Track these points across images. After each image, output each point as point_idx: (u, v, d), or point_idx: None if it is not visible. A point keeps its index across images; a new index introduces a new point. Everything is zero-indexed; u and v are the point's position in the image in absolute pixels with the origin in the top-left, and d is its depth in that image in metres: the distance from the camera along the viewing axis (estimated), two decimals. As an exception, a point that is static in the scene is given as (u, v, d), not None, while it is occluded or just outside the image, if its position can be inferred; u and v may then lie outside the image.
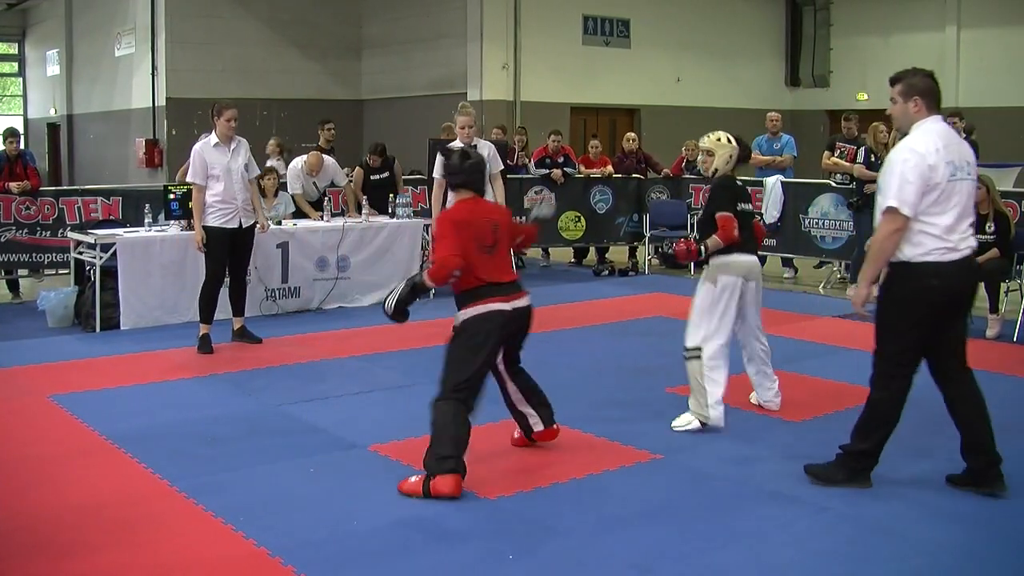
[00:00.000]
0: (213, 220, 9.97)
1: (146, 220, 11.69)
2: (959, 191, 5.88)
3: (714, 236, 7.41)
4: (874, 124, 13.64)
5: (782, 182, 15.01)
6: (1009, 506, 5.96)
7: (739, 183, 7.85)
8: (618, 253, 16.95)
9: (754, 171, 15.69)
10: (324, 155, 13.40)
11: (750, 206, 7.86)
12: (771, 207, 14.83)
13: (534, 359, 9.72)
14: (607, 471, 6.58)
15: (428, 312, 10.80)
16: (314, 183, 13.26)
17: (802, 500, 6.08)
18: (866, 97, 25.54)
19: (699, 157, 7.97)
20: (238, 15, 23.75)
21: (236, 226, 10.09)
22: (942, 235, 5.84)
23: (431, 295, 10.81)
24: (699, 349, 7.39)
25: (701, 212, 7.93)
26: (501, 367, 6.82)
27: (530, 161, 16.43)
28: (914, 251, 5.88)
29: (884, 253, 5.95)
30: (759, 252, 7.94)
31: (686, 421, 7.48)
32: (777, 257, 15.39)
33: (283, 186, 13.13)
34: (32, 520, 5.75)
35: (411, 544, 5.41)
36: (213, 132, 10.21)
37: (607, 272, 15.82)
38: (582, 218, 16.38)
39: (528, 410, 6.93)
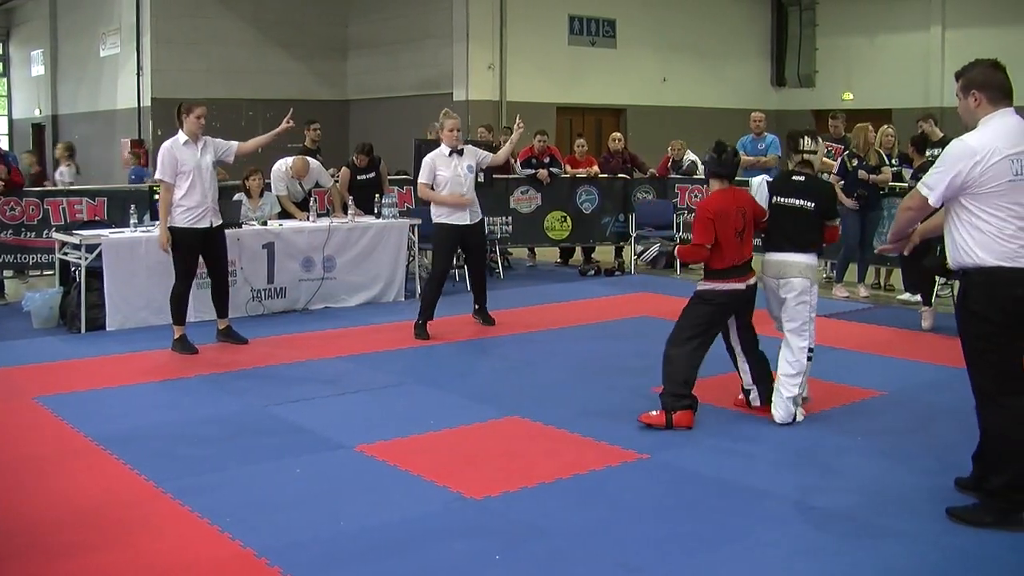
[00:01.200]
0: (183, 221, 9.84)
1: (131, 221, 11.65)
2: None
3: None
4: (860, 125, 13.65)
5: (768, 182, 15.00)
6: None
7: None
8: (604, 253, 16.94)
9: (740, 171, 15.70)
10: (309, 158, 13.36)
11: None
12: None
13: (520, 358, 9.81)
14: (593, 471, 6.58)
15: (412, 314, 10.82)
16: (300, 184, 13.24)
17: (789, 499, 6.09)
18: (851, 97, 25.66)
19: None
20: (223, 15, 23.74)
21: (207, 226, 9.99)
22: (1018, 236, 5.37)
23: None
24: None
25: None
26: (735, 340, 7.90)
27: (516, 161, 16.43)
28: (986, 254, 5.42)
29: (897, 223, 5.98)
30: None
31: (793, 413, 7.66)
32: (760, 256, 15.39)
33: (268, 186, 13.11)
34: (17, 522, 5.73)
35: (398, 544, 5.41)
36: (180, 131, 9.98)
37: (593, 272, 15.82)
38: (568, 218, 16.37)
39: (750, 384, 7.92)
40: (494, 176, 15.52)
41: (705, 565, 5.18)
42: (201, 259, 10.20)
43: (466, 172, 10.93)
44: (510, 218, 16.10)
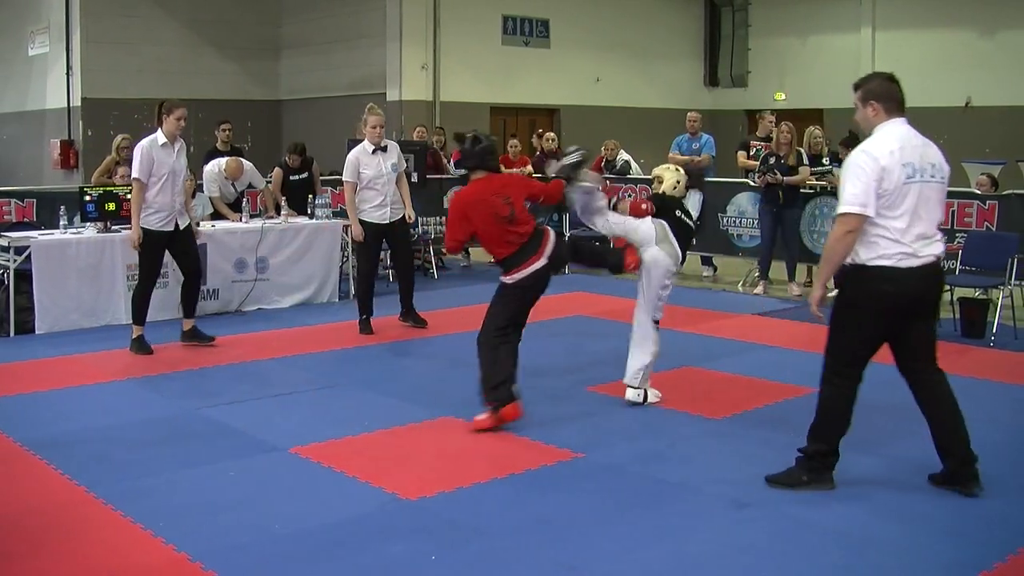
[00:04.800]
0: (153, 223, 9.81)
1: (61, 222, 11.54)
2: (915, 194, 5.83)
3: None
4: (780, 125, 13.87)
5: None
6: (945, 501, 6.07)
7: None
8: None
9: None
10: (243, 160, 13.27)
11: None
12: (691, 205, 14.90)
13: (455, 359, 9.82)
14: (529, 470, 6.61)
15: (347, 314, 10.79)
16: (233, 185, 13.16)
17: (723, 496, 6.15)
18: (784, 97, 25.85)
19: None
20: (155, 14, 23.49)
21: (172, 229, 9.96)
22: (897, 238, 5.82)
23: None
24: None
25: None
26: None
27: (449, 161, 16.43)
28: (868, 254, 5.88)
29: (835, 255, 5.95)
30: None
31: None
32: (696, 256, 15.50)
33: (200, 187, 13.02)
34: (-54, 529, 5.66)
35: (334, 547, 5.40)
36: (159, 131, 9.89)
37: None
38: (502, 218, 16.34)
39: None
40: (427, 176, 15.52)
41: (641, 562, 5.22)
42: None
43: (389, 170, 10.99)
44: (444, 218, 16.05)
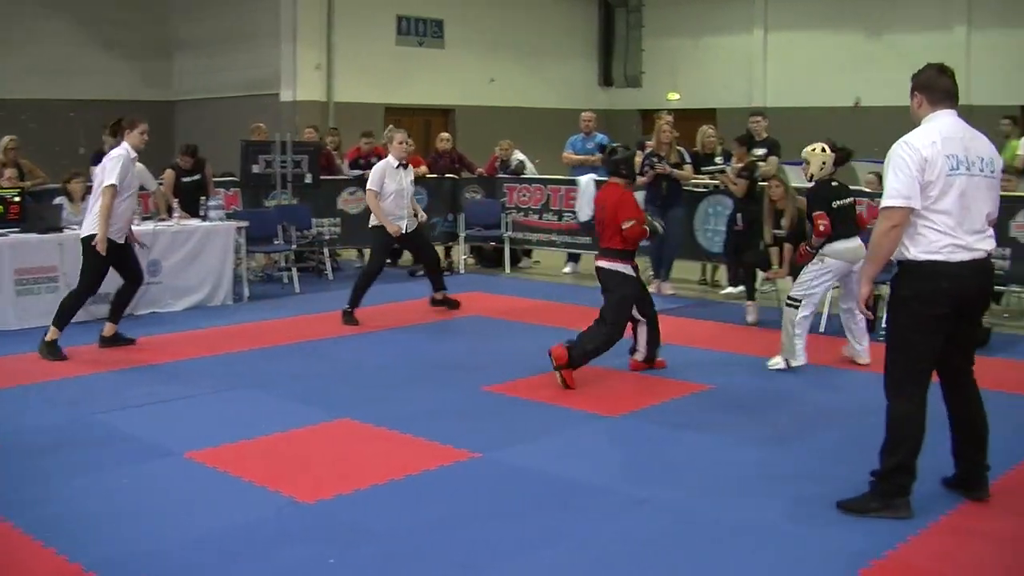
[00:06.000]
0: (112, 233, 9.82)
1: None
2: (960, 187, 5.55)
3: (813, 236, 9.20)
4: (658, 124, 13.99)
5: (596, 180, 15.21)
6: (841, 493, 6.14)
7: (833, 184, 9.38)
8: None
9: (568, 171, 15.94)
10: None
11: (849, 200, 9.44)
12: (584, 206, 14.97)
13: (351, 360, 9.79)
14: (426, 471, 6.61)
15: (242, 316, 10.69)
16: (124, 187, 12.97)
17: (620, 493, 6.20)
18: (677, 96, 26.08)
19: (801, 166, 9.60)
20: (42, 13, 23.03)
21: (124, 241, 10.03)
22: (945, 230, 5.56)
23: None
24: (799, 301, 9.18)
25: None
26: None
27: (343, 162, 16.36)
28: (915, 248, 5.62)
29: (881, 250, 5.70)
30: None
31: (775, 362, 9.31)
32: (592, 255, 15.58)
33: (90, 189, 12.79)
34: None
35: (231, 552, 5.36)
36: (126, 146, 9.91)
37: (422, 272, 15.77)
38: (398, 219, 16.32)
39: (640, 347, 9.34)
40: (321, 177, 15.44)
41: (539, 561, 5.25)
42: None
43: (409, 186, 11.88)
44: (339, 219, 16.00)
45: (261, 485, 6.31)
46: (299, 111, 21.29)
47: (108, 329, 10.31)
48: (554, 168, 16.94)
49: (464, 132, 23.00)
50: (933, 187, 5.53)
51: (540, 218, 16.17)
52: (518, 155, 16.81)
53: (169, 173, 13.84)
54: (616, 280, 8.91)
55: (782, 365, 9.25)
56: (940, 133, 5.61)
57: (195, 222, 12.87)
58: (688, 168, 13.62)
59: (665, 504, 6.02)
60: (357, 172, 15.97)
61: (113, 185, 9.68)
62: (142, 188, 13.07)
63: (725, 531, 5.62)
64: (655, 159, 13.36)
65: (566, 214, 15.76)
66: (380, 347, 10.42)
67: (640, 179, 13.31)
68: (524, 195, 16.28)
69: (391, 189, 11.64)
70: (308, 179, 15.28)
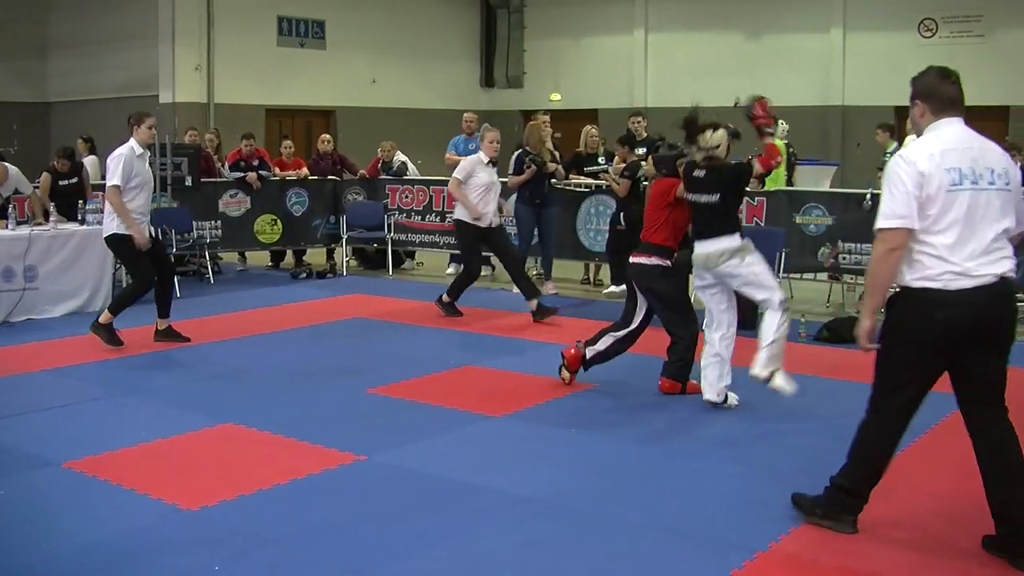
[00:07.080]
0: (127, 228, 10.02)
1: None
2: (965, 203, 4.99)
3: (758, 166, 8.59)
4: (530, 123, 14.11)
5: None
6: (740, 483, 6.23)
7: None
8: (316, 255, 16.87)
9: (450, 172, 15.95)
10: (8, 164, 12.85)
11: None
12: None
13: (233, 364, 9.71)
14: (311, 475, 6.58)
15: (122, 321, 10.52)
16: (-3, 191, 12.75)
17: (505, 492, 6.24)
18: (559, 97, 26.31)
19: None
20: (-93, 11, 22.59)
21: (150, 235, 10.41)
22: (943, 255, 5.00)
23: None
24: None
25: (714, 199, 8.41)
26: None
27: (223, 165, 16.21)
28: (912, 274, 5.09)
29: (880, 277, 5.18)
30: None
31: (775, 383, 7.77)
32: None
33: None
34: None
35: (113, 562, 5.29)
36: (133, 141, 10.15)
37: (305, 275, 15.71)
38: (278, 221, 16.23)
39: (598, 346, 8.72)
40: (202, 179, 15.28)
41: (428, 562, 5.27)
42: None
43: (497, 182, 12.18)
44: (219, 222, 15.84)
45: (143, 493, 6.23)
46: (179, 113, 21.09)
47: (160, 324, 10.61)
48: (436, 169, 16.95)
49: (346, 133, 22.97)
50: (933, 204, 4.98)
51: (423, 219, 16.17)
52: (400, 156, 16.81)
53: (45, 176, 13.61)
54: (654, 276, 8.46)
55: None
56: (941, 145, 5.06)
57: (72, 226, 12.65)
58: (558, 168, 13.75)
59: (550, 503, 6.07)
60: (238, 174, 15.84)
61: (116, 186, 9.95)
62: (17, 192, 12.90)
63: (611, 529, 5.68)
64: (530, 158, 13.43)
65: (448, 215, 15.79)
66: (261, 351, 10.34)
67: (515, 179, 13.41)
68: (406, 196, 16.27)
69: (483, 182, 11.91)
70: (188, 181, 15.11)
